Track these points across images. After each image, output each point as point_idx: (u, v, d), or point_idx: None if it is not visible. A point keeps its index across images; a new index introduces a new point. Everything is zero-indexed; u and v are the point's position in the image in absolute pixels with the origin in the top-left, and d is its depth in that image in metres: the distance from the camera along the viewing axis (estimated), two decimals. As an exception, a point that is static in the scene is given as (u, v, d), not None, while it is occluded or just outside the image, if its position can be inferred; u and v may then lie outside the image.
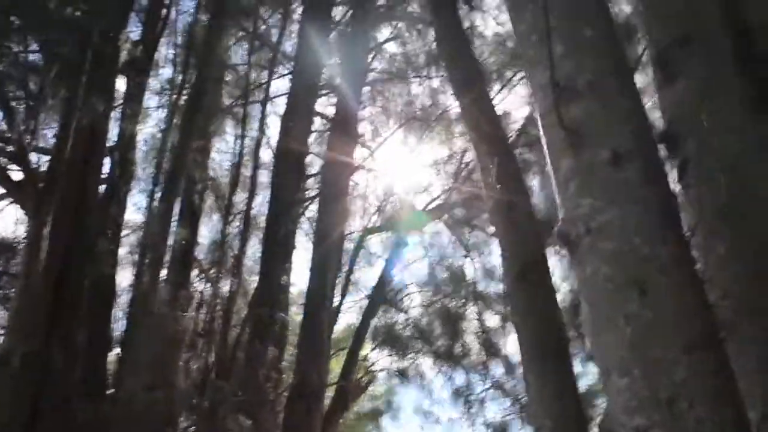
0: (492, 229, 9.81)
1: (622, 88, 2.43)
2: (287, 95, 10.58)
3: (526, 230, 4.05)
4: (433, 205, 10.64)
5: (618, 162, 2.23)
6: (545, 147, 2.43)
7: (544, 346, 3.51)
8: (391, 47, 11.40)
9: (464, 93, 4.96)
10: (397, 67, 11.12)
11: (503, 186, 4.17)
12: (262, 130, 10.47)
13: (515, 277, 3.91)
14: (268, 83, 10.87)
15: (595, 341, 2.11)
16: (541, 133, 2.46)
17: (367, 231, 10.74)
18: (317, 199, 10.06)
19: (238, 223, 10.31)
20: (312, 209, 10.90)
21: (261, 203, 10.86)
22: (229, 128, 11.27)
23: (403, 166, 11.23)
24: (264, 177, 11.18)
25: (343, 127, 9.34)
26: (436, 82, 10.77)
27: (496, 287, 10.16)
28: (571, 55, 2.47)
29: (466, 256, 10.57)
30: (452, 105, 10.25)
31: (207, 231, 10.73)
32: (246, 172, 10.76)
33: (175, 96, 10.43)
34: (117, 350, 8.44)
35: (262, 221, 10.24)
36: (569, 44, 2.49)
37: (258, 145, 10.52)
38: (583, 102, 2.38)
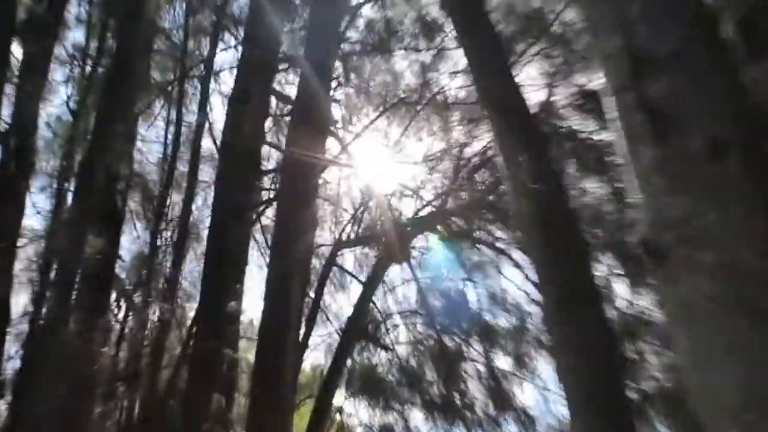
0: (501, 243, 10.25)
1: (715, 59, 2.44)
2: (236, 70, 10.68)
3: (568, 241, 4.17)
4: (425, 212, 10.73)
5: (717, 152, 2.23)
6: (619, 133, 2.45)
7: (597, 394, 3.49)
8: (370, 11, 11.57)
9: (483, 69, 5.18)
10: (378, 36, 11.25)
11: (537, 186, 4.26)
12: (203, 113, 10.78)
13: (556, 302, 3.96)
14: (211, 54, 11.13)
15: (693, 382, 2.08)
16: (614, 115, 2.47)
17: (341, 244, 10.80)
18: (276, 203, 10.13)
19: (171, 233, 10.51)
20: (269, 216, 11.04)
21: (202, 207, 11.30)
22: (161, 110, 11.44)
23: (385, 163, 11.27)
24: (206, 173, 11.55)
25: (309, 111, 9.30)
26: (427, 56, 10.93)
27: (508, 319, 10.33)
28: (649, 16, 2.48)
29: (467, 279, 10.75)
30: (448, 85, 10.63)
31: (131, 242, 10.81)
32: (182, 167, 11.13)
33: (89, 67, 10.64)
34: (8, 398, 8.42)
35: (203, 230, 10.48)
36: (647, 1, 2.50)
37: (198, 132, 10.87)
38: (667, 76, 2.39)
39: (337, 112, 11.63)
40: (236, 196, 9.52)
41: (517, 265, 10.21)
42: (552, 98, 9.81)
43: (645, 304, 8.72)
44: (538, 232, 4.29)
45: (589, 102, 9.48)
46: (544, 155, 4.91)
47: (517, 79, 5.44)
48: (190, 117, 11.15)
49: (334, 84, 11.06)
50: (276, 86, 11.01)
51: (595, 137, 9.40)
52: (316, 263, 11.15)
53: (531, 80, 9.72)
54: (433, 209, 10.78)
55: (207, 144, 11.18)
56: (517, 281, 10.33)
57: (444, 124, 10.81)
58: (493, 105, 4.97)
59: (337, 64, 10.96)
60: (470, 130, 10.41)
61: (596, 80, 9.09)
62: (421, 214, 10.78)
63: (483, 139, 10.21)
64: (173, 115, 11.01)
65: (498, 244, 10.58)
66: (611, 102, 2.48)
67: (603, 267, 9.04)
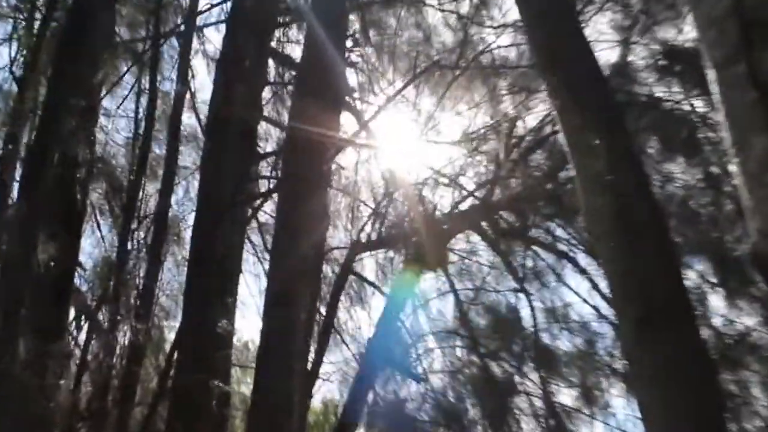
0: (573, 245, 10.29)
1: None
2: (225, 26, 10.91)
3: (652, 244, 4.17)
4: (465, 206, 10.84)
5: None
6: (722, 115, 2.49)
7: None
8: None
9: (541, 22, 5.26)
10: None
11: (615, 178, 4.29)
12: (184, 81, 10.86)
13: (635, 321, 3.98)
14: (192, 6, 11.26)
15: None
16: (717, 94, 2.52)
17: (359, 247, 10.90)
18: (276, 194, 10.16)
19: (145, 233, 10.64)
20: (268, 211, 11.17)
21: (184, 200, 11.71)
22: (130, 78, 11.55)
23: (415, 143, 11.31)
24: (188, 157, 11.81)
25: (318, 78, 9.33)
26: (466, 6, 11.10)
27: (571, 341, 10.37)
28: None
29: (519, 291, 10.68)
30: (494, 43, 10.77)
31: (94, 245, 10.93)
32: (158, 149, 11.43)
33: (38, 22, 10.72)
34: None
35: (185, 229, 10.77)
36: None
37: (178, 105, 10.92)
38: (786, 46, 2.41)
39: (353, 78, 11.64)
40: (227, 187, 9.63)
41: (583, 272, 10.29)
42: (628, 58, 9.87)
43: (748, 322, 8.73)
44: (612, 232, 4.30)
45: (675, 62, 9.63)
46: (621, 134, 4.92)
47: (585, 34, 5.46)
48: (168, 86, 11.40)
49: (349, 43, 11.00)
50: (276, 46, 11.12)
51: (684, 107, 9.50)
52: (328, 271, 11.17)
53: (601, 35, 9.79)
54: (476, 201, 10.81)
55: (189, 120, 11.43)
56: (582, 292, 10.34)
57: (489, 93, 10.85)
58: (555, 68, 5.00)
59: (353, 17, 11.08)
60: (523, 100, 10.49)
61: (685, 34, 9.26)
62: (460, 207, 10.82)
63: (539, 111, 10.33)
64: (146, 83, 11.06)
65: (559, 246, 10.65)
66: (713, 77, 2.50)
67: (693, 275, 9.11)
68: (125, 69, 11.50)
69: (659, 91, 9.66)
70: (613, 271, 4.35)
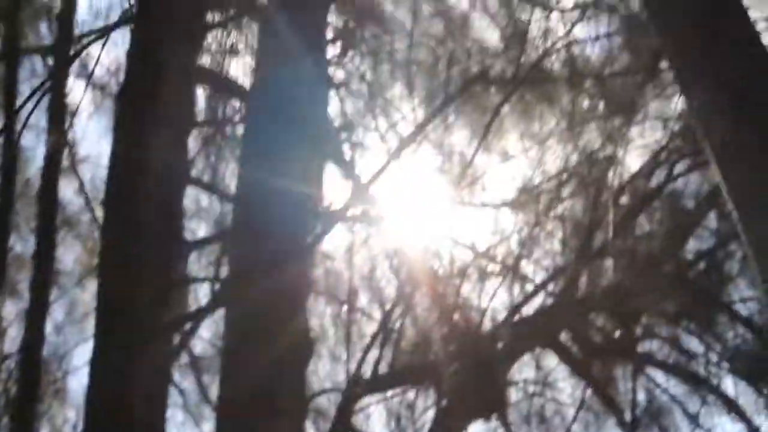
0: None
1: None
2: (126, 37, 10.04)
3: None
4: (531, 309, 10.15)
5: None
6: None
7: None
8: None
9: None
10: None
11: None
12: (58, 130, 10.51)
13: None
14: (67, 8, 10.94)
15: None
16: None
17: (359, 388, 9.96)
18: (222, 310, 9.17)
19: (5, 384, 10.48)
20: (206, 336, 10.95)
21: (66, 330, 11.31)
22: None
23: (442, 211, 10.71)
24: (69, 256, 11.62)
25: (281, 114, 8.38)
26: None
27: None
28: None
29: None
30: (575, 39, 10.41)
31: None
32: (21, 246, 11.11)
33: None
34: None
35: (72, 377, 10.72)
36: None
37: (50, 172, 10.57)
38: None
39: (339, 108, 10.94)
40: (139, 300, 7.98)
41: (733, 408, 9.86)
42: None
43: None
44: None
45: None
46: None
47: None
48: (32, 137, 10.70)
49: (330, 51, 10.49)
50: (207, 62, 10.27)
51: None
52: (313, 430, 10.64)
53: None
54: (550, 301, 10.27)
55: (68, 192, 11.01)
56: None
57: (565, 120, 10.28)
58: (704, 79, 4.88)
59: (334, 6, 10.45)
60: (620, 128, 10.00)
61: None
62: (523, 312, 10.17)
63: (648, 144, 10.00)
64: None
65: (693, 368, 10.30)
66: None
67: None
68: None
69: None
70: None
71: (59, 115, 10.55)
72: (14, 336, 10.93)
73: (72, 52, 10.91)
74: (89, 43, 10.75)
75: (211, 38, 10.62)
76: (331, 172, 9.69)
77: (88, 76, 10.77)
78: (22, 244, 11.07)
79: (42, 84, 10.55)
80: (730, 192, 4.85)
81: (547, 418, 10.62)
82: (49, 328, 10.71)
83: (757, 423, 9.69)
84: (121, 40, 10.29)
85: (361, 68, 10.99)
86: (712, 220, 9.68)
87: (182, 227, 9.60)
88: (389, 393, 10.58)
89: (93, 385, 7.99)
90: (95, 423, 7.87)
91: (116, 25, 10.31)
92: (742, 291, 9.38)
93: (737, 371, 9.76)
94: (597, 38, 10.25)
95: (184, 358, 10.93)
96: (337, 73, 10.81)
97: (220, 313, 9.44)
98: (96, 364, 8.13)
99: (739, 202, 4.79)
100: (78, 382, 10.76)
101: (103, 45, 10.87)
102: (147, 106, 8.55)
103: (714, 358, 10.07)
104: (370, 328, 10.69)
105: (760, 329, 8.88)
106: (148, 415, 8.43)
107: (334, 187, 9.83)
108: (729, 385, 9.88)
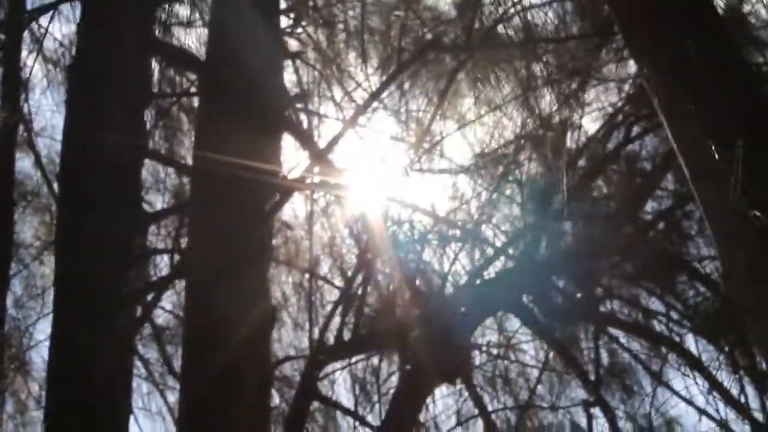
0: None
1: None
2: (76, 8, 10.49)
3: None
4: (492, 272, 10.04)
5: None
6: None
7: None
8: None
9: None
10: None
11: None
12: (12, 104, 10.59)
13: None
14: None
15: None
16: None
17: (324, 355, 9.83)
18: (184, 279, 9.11)
19: None
20: (169, 307, 11.00)
21: (26, 303, 11.50)
22: None
23: (402, 178, 10.40)
24: (28, 231, 11.83)
25: (237, 84, 8.44)
26: None
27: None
28: None
29: (591, 404, 9.95)
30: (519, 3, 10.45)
31: None
32: None
33: None
34: None
35: (35, 351, 10.64)
36: None
37: (6, 145, 10.69)
38: None
39: (295, 77, 11.04)
40: (99, 273, 8.57)
41: (696, 366, 9.75)
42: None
43: None
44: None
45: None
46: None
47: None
48: None
49: (284, 20, 10.66)
50: (161, 34, 10.40)
51: None
52: (277, 397, 10.57)
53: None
54: (511, 264, 10.16)
55: (25, 166, 11.15)
56: (696, 398, 9.81)
57: (520, 85, 10.21)
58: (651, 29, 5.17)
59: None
60: (575, 91, 10.00)
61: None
62: (485, 275, 10.04)
63: (604, 108, 10.08)
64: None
65: (654, 326, 10.28)
66: None
67: None
68: None
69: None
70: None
71: (13, 90, 10.55)
72: None
73: (23, 26, 10.72)
74: (39, 15, 10.92)
75: (164, 10, 10.62)
76: (288, 142, 9.62)
77: (39, 50, 11.02)
78: None
79: None
80: (680, 153, 5.15)
81: (511, 380, 10.65)
82: (9, 302, 10.77)
83: (719, 378, 9.48)
84: (72, 14, 10.49)
85: (314, 37, 11.16)
86: (669, 181, 9.60)
87: (140, 199, 9.90)
88: (353, 359, 10.55)
89: (55, 359, 8.61)
90: (58, 396, 8.55)
91: None
92: (701, 250, 9.34)
93: (698, 329, 9.65)
94: (550, 3, 10.24)
95: (147, 330, 10.90)
96: (291, 43, 10.98)
97: (181, 284, 9.64)
98: (57, 337, 8.89)
99: (689, 163, 5.04)
100: (40, 356, 10.83)
101: (51, 18, 11.05)
102: (99, 79, 8.96)
103: (675, 316, 10.04)
104: (333, 295, 10.68)
105: (717, 287, 8.82)
106: (111, 387, 8.57)
107: (291, 157, 9.85)
108: (690, 342, 9.85)
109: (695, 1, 5.28)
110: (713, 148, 4.73)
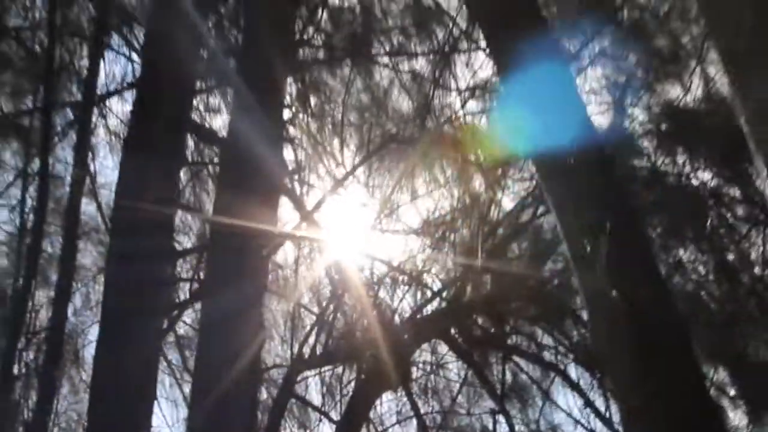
0: None
1: None
2: (132, 94, 10.96)
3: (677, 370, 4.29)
4: (430, 310, 11.05)
5: None
6: None
7: None
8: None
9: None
10: (352, 33, 11.69)
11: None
12: (82, 163, 10.76)
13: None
14: (92, 68, 11.07)
15: None
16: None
17: (301, 364, 10.84)
18: (199, 301, 10.26)
19: (35, 353, 10.69)
20: (189, 322, 11.51)
21: (82, 311, 11.69)
22: (13, 158, 11.60)
23: (367, 235, 11.45)
24: (88, 257, 11.79)
25: (248, 158, 9.30)
26: (426, 63, 11.55)
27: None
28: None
29: (497, 412, 10.91)
30: (462, 108, 11.19)
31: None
32: (51, 247, 11.31)
33: None
34: None
35: (86, 348, 11.04)
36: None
37: (75, 193, 10.78)
38: None
39: (292, 156, 11.71)
40: (138, 293, 9.30)
41: (574, 387, 10.67)
42: (626, 121, 10.27)
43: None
44: (622, 353, 4.48)
45: (679, 125, 9.99)
46: (628, 217, 5.20)
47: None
48: (62, 168, 11.23)
49: (286, 114, 11.20)
50: (195, 117, 11.06)
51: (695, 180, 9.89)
52: (265, 394, 11.19)
53: (593, 94, 10.22)
54: (443, 304, 11.00)
55: (89, 209, 11.31)
56: (575, 411, 10.74)
57: (457, 171, 11.11)
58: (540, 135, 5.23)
59: (291, 80, 11.30)
60: (498, 177, 10.84)
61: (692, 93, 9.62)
62: (424, 311, 10.97)
63: (519, 190, 10.87)
64: (34, 165, 10.95)
65: (545, 355, 10.99)
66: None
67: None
68: (6, 147, 11.66)
69: (662, 163, 10.07)
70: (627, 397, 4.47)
71: (83, 153, 10.72)
72: (44, 317, 10.98)
73: (93, 106, 11.04)
74: (107, 98, 11.39)
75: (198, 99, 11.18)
76: (284, 203, 10.47)
77: (105, 124, 11.47)
78: (52, 247, 11.23)
79: (71, 128, 11.21)
80: (564, 238, 5.39)
81: (439, 390, 11.35)
82: (70, 311, 10.83)
83: (592, 398, 10.27)
84: (131, 98, 10.81)
85: (308, 126, 11.86)
86: (564, 248, 9.77)
87: (172, 239, 10.56)
88: (323, 368, 11.29)
89: (100, 355, 9.48)
90: (101, 384, 9.27)
91: (128, 87, 11.13)
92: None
93: (578, 360, 10.40)
94: (483, 112, 11.11)
95: (171, 337, 11.38)
96: (291, 130, 11.59)
97: (198, 305, 10.54)
98: (103, 340, 9.44)
99: (570, 246, 5.28)
100: (89, 353, 10.91)
101: (104, 100, 11.44)
102: (145, 148, 9.65)
103: (562, 349, 10.75)
104: (310, 319, 11.49)
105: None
106: (141, 379, 9.46)
107: (286, 214, 10.77)
108: (572, 370, 10.61)
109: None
110: (585, 239, 4.93)
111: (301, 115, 11.88)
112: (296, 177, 11.52)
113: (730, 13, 2.80)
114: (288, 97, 11.26)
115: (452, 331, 10.97)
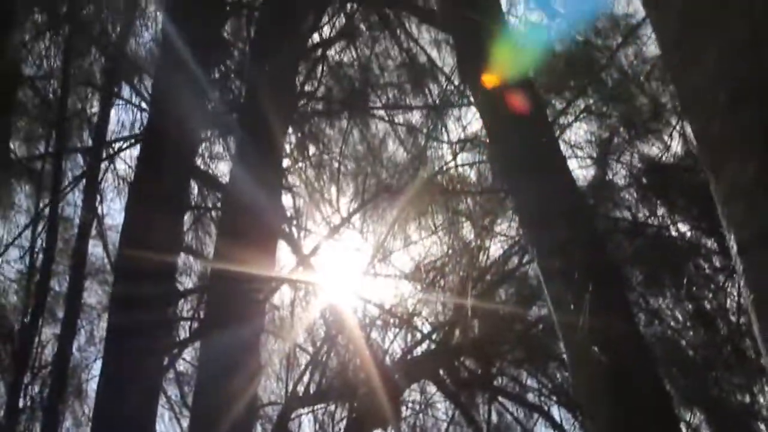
0: None
1: None
2: (139, 141, 10.98)
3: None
4: (419, 351, 11.06)
5: None
6: (751, 304, 2.54)
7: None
8: (338, 54, 12.00)
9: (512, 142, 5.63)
10: (350, 87, 11.81)
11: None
12: (90, 206, 10.96)
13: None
14: (102, 116, 11.34)
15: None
16: (742, 277, 2.59)
17: (296, 402, 10.80)
18: (199, 340, 10.27)
19: (40, 387, 10.60)
20: (189, 359, 11.44)
21: (86, 347, 11.50)
22: (24, 201, 11.58)
23: (361, 279, 11.48)
24: (94, 296, 11.75)
25: (248, 204, 9.43)
26: (420, 117, 11.67)
27: None
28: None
29: None
30: (454, 160, 11.20)
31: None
32: (58, 286, 11.25)
33: None
34: None
35: (89, 382, 10.83)
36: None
37: (82, 235, 11.03)
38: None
39: (290, 203, 11.76)
40: (140, 331, 9.26)
41: (557, 427, 10.66)
42: (606, 176, 10.36)
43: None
44: (603, 398, 4.60)
45: (659, 180, 10.08)
46: (605, 265, 5.31)
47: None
48: (71, 211, 11.31)
49: (285, 162, 11.27)
50: (199, 164, 11.15)
51: (673, 231, 9.97)
52: (260, 430, 11.23)
53: (575, 150, 10.30)
54: (433, 346, 11.01)
55: (95, 250, 11.36)
56: None
57: (447, 219, 11.17)
58: (525, 189, 5.45)
59: (290, 131, 11.37)
60: (486, 226, 10.85)
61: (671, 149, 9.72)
62: (414, 353, 10.97)
63: (506, 239, 10.81)
64: (45, 208, 11.07)
65: (529, 397, 11.01)
66: (739, 260, 2.50)
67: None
68: (18, 190, 11.55)
69: (642, 215, 10.12)
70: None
71: (92, 196, 10.94)
72: (49, 352, 10.94)
73: (102, 153, 11.21)
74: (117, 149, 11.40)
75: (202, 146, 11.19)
76: (282, 247, 10.58)
77: (113, 170, 11.39)
78: (60, 285, 11.20)
79: (81, 174, 11.27)
80: (547, 291, 5.63)
81: (427, 429, 11.36)
82: (74, 347, 10.96)
83: None
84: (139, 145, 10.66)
85: (307, 174, 11.98)
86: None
87: (174, 279, 10.60)
88: (317, 406, 11.16)
89: (102, 390, 9.43)
90: (103, 417, 9.28)
91: (137, 136, 11.09)
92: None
93: (562, 402, 10.38)
94: (473, 164, 11.09)
95: (171, 374, 11.23)
96: (290, 178, 11.70)
97: (198, 343, 10.45)
98: (105, 375, 9.41)
99: (552, 298, 5.45)
100: (92, 387, 10.96)
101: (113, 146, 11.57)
102: (150, 194, 9.74)
103: (545, 392, 10.73)
104: (305, 358, 11.44)
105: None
106: (142, 412, 9.48)
107: (284, 258, 10.95)
108: (555, 411, 10.57)
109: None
110: (568, 296, 5.06)
111: (299, 164, 12.00)
112: (294, 223, 11.60)
113: (703, 95, 2.71)
114: (288, 147, 11.35)
115: (441, 372, 10.95)
